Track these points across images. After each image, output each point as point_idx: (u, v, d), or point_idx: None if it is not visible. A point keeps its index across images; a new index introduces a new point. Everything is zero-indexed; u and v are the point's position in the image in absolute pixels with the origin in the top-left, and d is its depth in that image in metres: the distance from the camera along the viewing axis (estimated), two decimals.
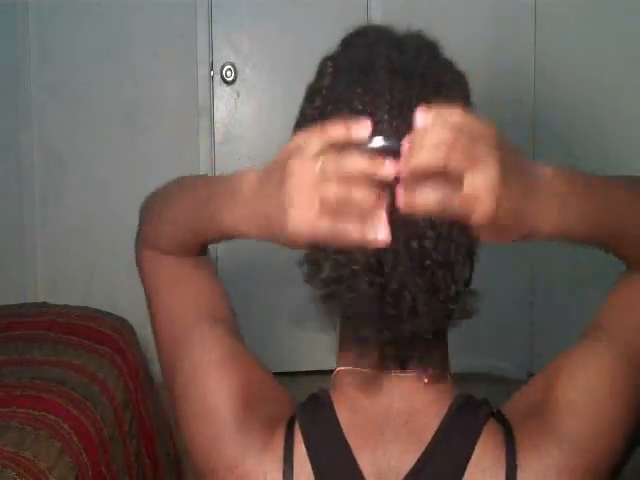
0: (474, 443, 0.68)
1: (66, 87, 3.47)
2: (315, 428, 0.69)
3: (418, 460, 0.68)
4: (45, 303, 2.58)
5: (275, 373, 3.26)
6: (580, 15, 3.28)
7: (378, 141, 0.56)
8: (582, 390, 0.70)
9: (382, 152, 0.57)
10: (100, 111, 3.50)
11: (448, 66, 0.72)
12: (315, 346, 3.66)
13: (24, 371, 1.92)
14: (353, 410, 0.70)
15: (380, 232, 0.55)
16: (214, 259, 3.77)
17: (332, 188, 0.55)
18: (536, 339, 3.42)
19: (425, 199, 0.54)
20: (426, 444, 0.68)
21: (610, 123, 3.20)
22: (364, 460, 0.68)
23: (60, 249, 3.54)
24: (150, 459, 2.18)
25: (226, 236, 0.69)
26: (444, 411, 0.70)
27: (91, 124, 3.51)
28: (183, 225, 0.78)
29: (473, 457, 0.67)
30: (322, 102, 0.70)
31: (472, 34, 3.37)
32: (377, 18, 3.44)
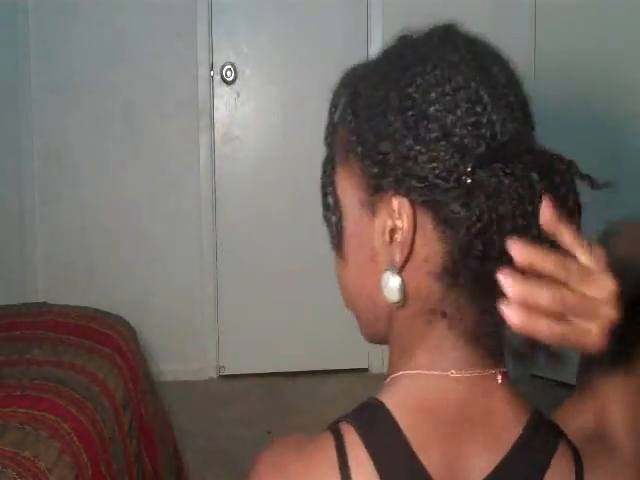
0: (551, 457, 0.69)
1: (66, 87, 3.48)
2: (374, 432, 0.67)
3: (498, 464, 0.67)
4: (45, 303, 2.58)
5: (275, 373, 3.25)
6: (580, 13, 3.28)
7: None
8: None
9: None
10: (100, 111, 3.50)
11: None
12: (315, 346, 3.67)
13: (24, 371, 1.92)
14: (416, 412, 0.68)
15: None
16: (214, 261, 3.76)
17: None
18: None
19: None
20: (507, 449, 0.68)
21: (610, 121, 3.20)
22: (432, 462, 0.66)
23: (60, 249, 3.55)
24: (150, 459, 2.18)
25: None
26: (525, 417, 0.70)
27: (91, 124, 3.51)
28: None
29: (549, 471, 0.68)
30: (466, 99, 0.67)
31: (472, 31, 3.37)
32: (377, 18, 3.44)
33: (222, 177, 3.57)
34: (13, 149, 3.48)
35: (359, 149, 0.69)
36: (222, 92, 3.54)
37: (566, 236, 0.64)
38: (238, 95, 3.55)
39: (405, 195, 0.66)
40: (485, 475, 0.67)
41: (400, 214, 0.67)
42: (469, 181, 0.64)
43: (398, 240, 0.68)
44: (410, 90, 0.67)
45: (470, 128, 0.65)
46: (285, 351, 3.58)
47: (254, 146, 3.58)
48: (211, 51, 3.51)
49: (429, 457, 0.66)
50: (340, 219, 0.74)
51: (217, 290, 3.60)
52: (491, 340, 0.69)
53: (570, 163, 0.66)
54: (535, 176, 0.65)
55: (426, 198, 0.66)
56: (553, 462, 0.69)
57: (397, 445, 0.66)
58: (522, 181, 0.64)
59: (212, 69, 3.52)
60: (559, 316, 0.61)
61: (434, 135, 0.65)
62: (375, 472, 0.65)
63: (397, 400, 0.69)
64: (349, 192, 0.72)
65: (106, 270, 3.56)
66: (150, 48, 3.49)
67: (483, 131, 0.65)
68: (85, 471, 1.65)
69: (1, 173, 3.50)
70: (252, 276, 3.57)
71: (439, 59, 0.68)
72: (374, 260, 0.70)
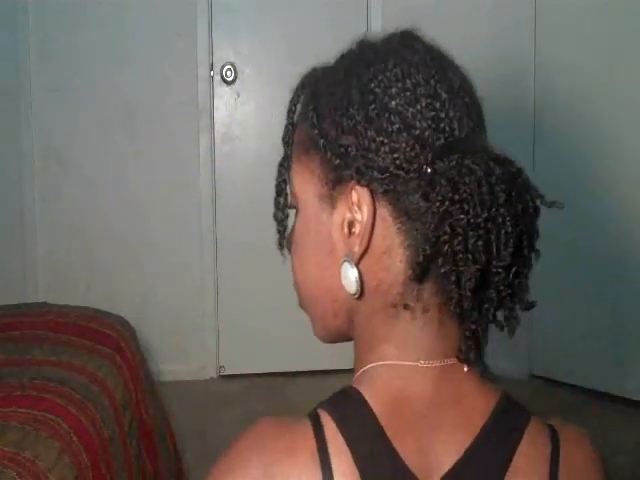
0: (521, 435, 0.71)
1: (66, 87, 3.48)
2: (351, 421, 0.68)
3: (469, 446, 0.69)
4: (45, 303, 2.58)
5: (275, 373, 3.25)
6: (580, 14, 3.28)
7: None
8: None
9: None
10: (100, 111, 3.50)
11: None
12: (315, 346, 3.66)
13: (24, 371, 1.92)
14: (390, 402, 0.70)
15: None
16: (214, 261, 3.75)
17: None
18: (536, 339, 3.42)
19: None
20: (477, 431, 0.70)
21: (610, 123, 3.20)
22: (406, 449, 0.68)
23: (60, 249, 3.55)
24: (150, 459, 2.18)
25: None
26: (493, 400, 0.72)
27: (91, 124, 3.51)
28: None
29: (520, 448, 0.70)
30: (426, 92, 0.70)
31: (472, 35, 3.37)
32: (377, 18, 3.44)
33: (222, 177, 3.57)
34: (13, 148, 3.48)
35: (321, 142, 0.71)
36: (222, 92, 3.54)
37: None
38: (238, 95, 3.55)
39: (366, 186, 0.68)
40: (457, 458, 0.69)
41: (360, 206, 0.69)
42: (429, 171, 0.67)
43: (356, 233, 0.69)
44: (372, 85, 0.69)
45: (430, 122, 0.68)
46: (285, 351, 3.58)
47: (254, 146, 3.58)
48: (211, 51, 3.51)
49: (404, 445, 0.68)
50: (297, 215, 0.76)
51: (217, 290, 3.60)
52: (457, 330, 0.70)
53: (520, 169, 0.69)
54: (492, 164, 0.67)
55: (387, 188, 0.68)
56: (524, 439, 0.71)
57: (373, 433, 0.68)
58: (482, 169, 0.66)
59: (212, 69, 3.52)
60: None
61: (396, 127, 0.68)
62: (352, 460, 0.66)
63: (372, 389, 0.70)
64: (307, 187, 0.74)
65: (106, 270, 3.56)
66: (150, 48, 3.49)
67: (442, 125, 0.68)
68: (85, 471, 1.65)
69: (1, 172, 3.50)
70: (252, 276, 3.57)
71: (400, 59, 0.70)
72: (333, 254, 0.72)
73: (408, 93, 0.68)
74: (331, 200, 0.71)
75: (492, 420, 0.70)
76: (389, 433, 0.68)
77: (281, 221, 0.77)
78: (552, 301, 3.24)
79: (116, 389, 2.03)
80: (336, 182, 0.71)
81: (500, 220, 0.66)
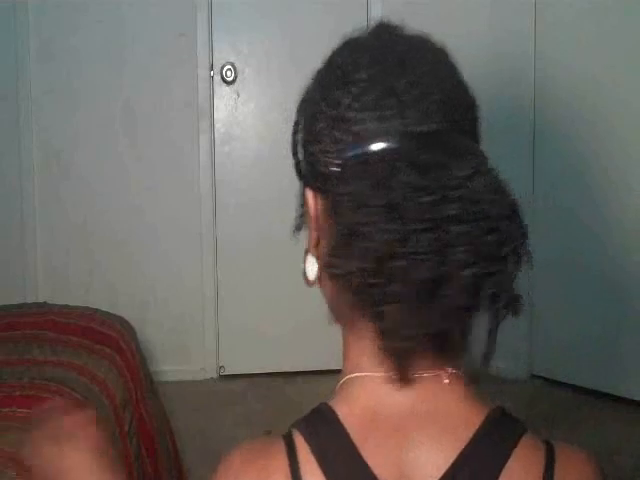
0: (511, 449, 0.68)
1: (66, 87, 3.48)
2: (323, 440, 0.67)
3: (454, 461, 0.66)
4: (45, 303, 2.58)
5: (275, 373, 3.25)
6: (580, 14, 3.28)
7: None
8: None
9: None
10: (100, 111, 3.50)
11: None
12: (315, 346, 3.66)
13: (24, 371, 1.92)
14: (365, 417, 0.68)
15: None
16: (214, 261, 3.74)
17: None
18: (536, 339, 3.42)
19: None
20: (463, 445, 0.67)
21: (610, 124, 3.20)
22: (382, 468, 0.66)
23: (60, 249, 3.55)
24: (150, 459, 2.18)
25: None
26: (482, 414, 0.69)
27: (91, 124, 3.51)
28: None
29: (510, 462, 0.67)
30: (361, 91, 0.68)
31: (472, 35, 3.37)
32: (377, 19, 3.44)
33: (222, 177, 3.57)
34: (13, 149, 3.48)
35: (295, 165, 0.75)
36: (222, 92, 3.54)
37: None
38: (238, 95, 3.55)
39: (308, 185, 0.72)
40: (442, 473, 0.66)
41: (309, 205, 0.72)
42: (342, 168, 0.66)
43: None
44: (320, 75, 0.73)
45: (360, 117, 0.67)
46: (285, 351, 3.58)
47: (254, 146, 3.58)
48: (211, 51, 3.51)
49: (379, 463, 0.66)
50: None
51: (217, 290, 3.60)
52: (431, 341, 0.66)
53: (491, 169, 0.65)
54: (425, 157, 0.63)
55: (319, 186, 0.70)
56: (515, 454, 0.67)
57: (347, 452, 0.66)
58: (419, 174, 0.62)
59: (212, 69, 3.52)
60: None
61: (322, 125, 0.69)
62: None
63: (346, 405, 0.69)
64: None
65: (106, 270, 3.56)
66: (150, 48, 3.49)
67: (387, 122, 0.66)
68: None
69: (1, 172, 3.50)
70: (252, 276, 3.57)
71: (364, 54, 0.72)
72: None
73: (353, 88, 0.68)
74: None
75: (480, 433, 0.67)
76: (363, 452, 0.66)
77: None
78: (552, 301, 3.24)
79: (116, 389, 2.03)
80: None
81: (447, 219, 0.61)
